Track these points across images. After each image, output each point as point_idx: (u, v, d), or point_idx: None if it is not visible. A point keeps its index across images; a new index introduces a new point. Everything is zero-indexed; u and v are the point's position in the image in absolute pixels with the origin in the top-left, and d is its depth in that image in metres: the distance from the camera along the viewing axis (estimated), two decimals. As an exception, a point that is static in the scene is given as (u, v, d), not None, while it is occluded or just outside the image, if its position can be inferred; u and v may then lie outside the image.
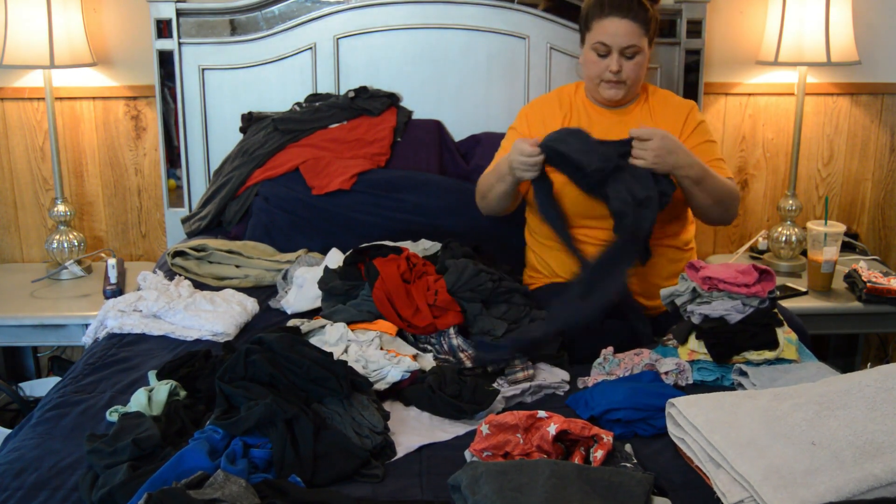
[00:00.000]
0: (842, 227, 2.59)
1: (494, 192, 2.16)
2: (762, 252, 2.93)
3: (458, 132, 2.80)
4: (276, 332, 1.65)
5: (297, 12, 2.74)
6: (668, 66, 2.80)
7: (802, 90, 2.80)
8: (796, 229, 2.83)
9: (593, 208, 2.09)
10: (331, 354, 1.58)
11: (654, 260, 2.14)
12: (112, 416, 1.57)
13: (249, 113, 2.76)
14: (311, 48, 2.76)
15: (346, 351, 1.75)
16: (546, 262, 2.24)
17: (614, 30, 2.09)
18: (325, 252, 2.35)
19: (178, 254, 2.36)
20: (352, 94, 2.72)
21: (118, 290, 2.53)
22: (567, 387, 1.76)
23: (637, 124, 2.17)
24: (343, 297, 2.00)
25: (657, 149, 1.93)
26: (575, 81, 2.34)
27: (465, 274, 1.91)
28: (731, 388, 1.72)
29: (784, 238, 2.83)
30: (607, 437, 1.43)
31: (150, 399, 1.55)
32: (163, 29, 2.71)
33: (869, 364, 3.01)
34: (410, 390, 1.67)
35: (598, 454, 1.39)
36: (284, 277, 2.27)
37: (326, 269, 2.09)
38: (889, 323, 2.60)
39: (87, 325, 2.32)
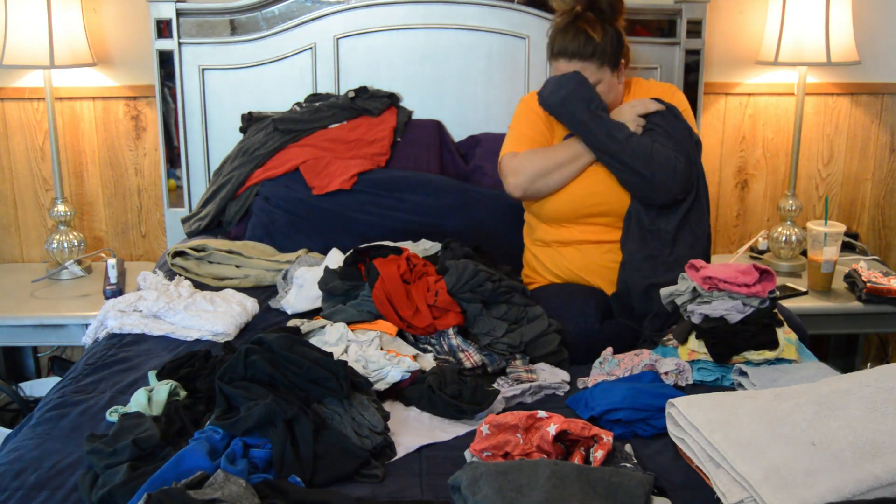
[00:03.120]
0: (842, 227, 2.59)
1: (566, 171, 2.14)
2: (762, 252, 2.93)
3: (458, 132, 2.80)
4: (276, 333, 1.64)
5: (297, 12, 2.74)
6: (668, 66, 2.80)
7: (802, 90, 2.80)
8: (796, 229, 2.83)
9: (594, 206, 2.13)
10: (331, 354, 1.58)
11: None
12: (112, 416, 1.57)
13: (249, 113, 2.76)
14: (310, 48, 2.76)
15: (346, 351, 1.75)
16: (541, 261, 2.24)
17: (565, 70, 2.15)
18: (325, 252, 2.35)
19: (178, 254, 2.36)
20: (352, 94, 2.72)
21: (118, 290, 2.53)
22: (567, 387, 1.76)
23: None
24: (343, 297, 2.00)
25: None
26: None
27: (465, 274, 1.91)
28: (731, 388, 1.72)
29: (784, 238, 2.83)
30: (607, 438, 1.43)
31: (150, 399, 1.56)
32: (163, 29, 2.72)
33: (869, 364, 3.01)
34: (410, 390, 1.67)
35: (598, 454, 1.39)
36: (284, 277, 2.27)
37: (326, 269, 2.09)
38: (889, 323, 2.60)
39: (87, 325, 2.32)
